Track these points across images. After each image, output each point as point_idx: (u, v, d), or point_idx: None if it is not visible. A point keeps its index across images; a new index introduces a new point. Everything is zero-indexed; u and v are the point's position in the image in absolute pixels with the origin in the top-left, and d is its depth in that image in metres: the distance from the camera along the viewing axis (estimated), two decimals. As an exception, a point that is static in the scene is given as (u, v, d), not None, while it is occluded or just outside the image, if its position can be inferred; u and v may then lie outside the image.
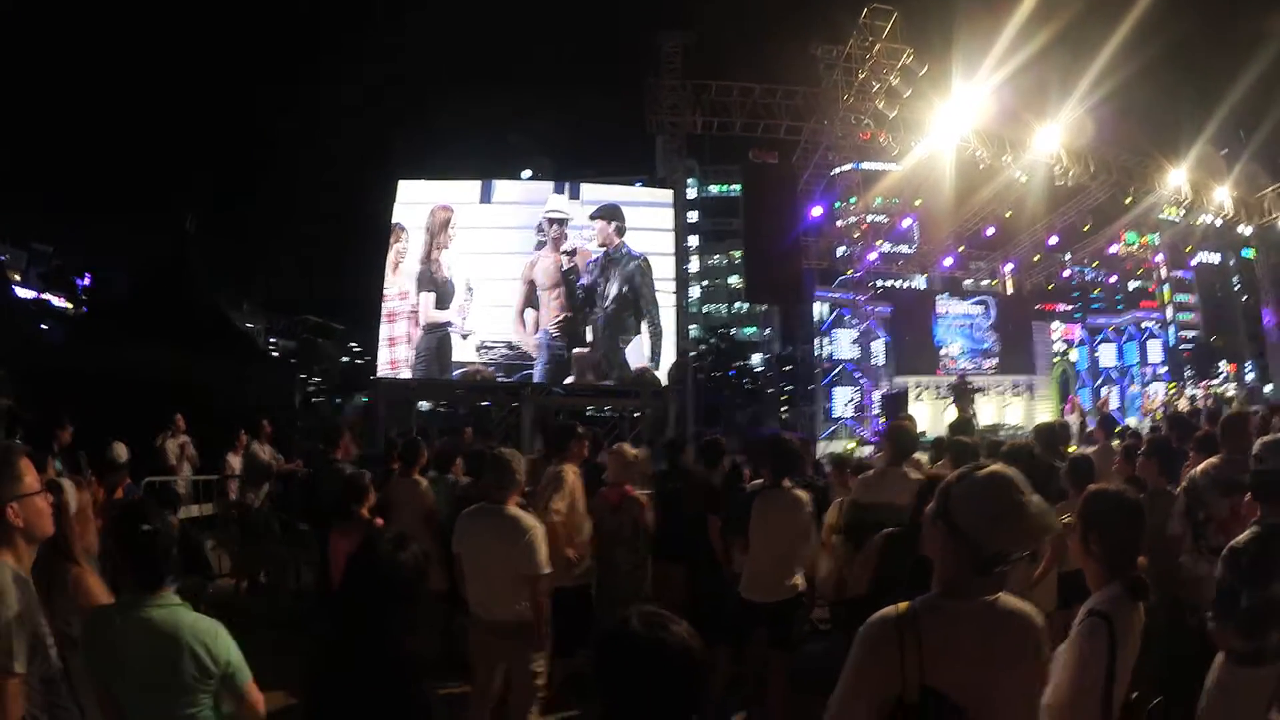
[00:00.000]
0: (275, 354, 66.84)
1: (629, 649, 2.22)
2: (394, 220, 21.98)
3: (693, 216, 71.16)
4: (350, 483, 7.06)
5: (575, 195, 22.09)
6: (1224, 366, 36.54)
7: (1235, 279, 50.79)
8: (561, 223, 21.49)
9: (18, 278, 54.19)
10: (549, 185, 23.26)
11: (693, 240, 75.05)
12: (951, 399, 28.02)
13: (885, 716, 2.54)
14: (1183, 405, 28.49)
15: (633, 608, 2.33)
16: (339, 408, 64.40)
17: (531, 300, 21.23)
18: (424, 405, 25.50)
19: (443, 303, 21.29)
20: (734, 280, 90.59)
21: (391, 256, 21.78)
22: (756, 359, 71.11)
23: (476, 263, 21.51)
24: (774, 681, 6.71)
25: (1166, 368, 36.44)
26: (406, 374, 21.52)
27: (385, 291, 21.70)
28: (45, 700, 3.48)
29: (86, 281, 55.94)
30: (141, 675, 3.45)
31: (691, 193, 72.91)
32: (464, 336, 21.22)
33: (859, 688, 2.60)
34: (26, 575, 3.53)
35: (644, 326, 21.18)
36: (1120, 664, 3.18)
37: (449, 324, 21.28)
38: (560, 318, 21.07)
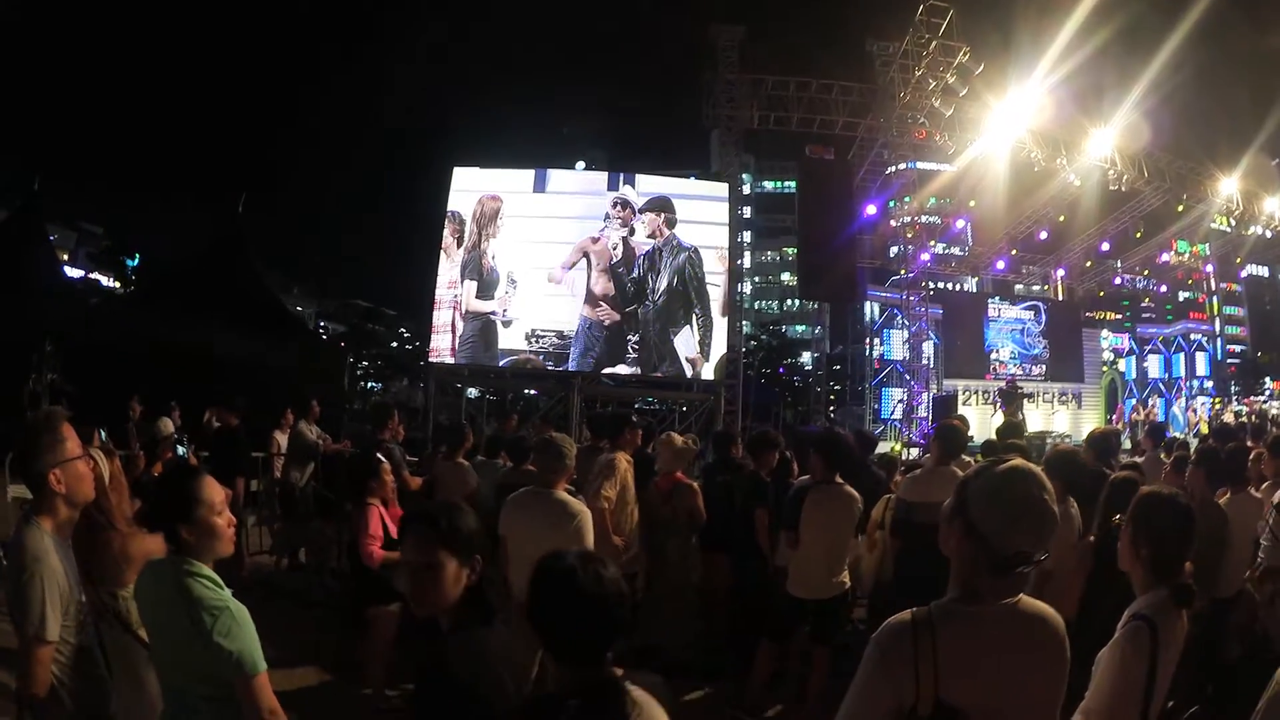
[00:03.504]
0: (325, 337, 67.26)
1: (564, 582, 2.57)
2: (449, 208, 22.07)
3: (746, 212, 70.99)
4: (362, 464, 7.02)
5: (631, 185, 22.10)
6: (1269, 383, 36.03)
7: (1285, 292, 50.21)
8: (626, 205, 21.53)
9: (66, 257, 54.76)
10: (603, 176, 23.20)
11: (745, 236, 74.90)
12: (999, 404, 27.85)
13: None
14: (1228, 419, 28.20)
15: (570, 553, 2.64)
16: (384, 392, 64.75)
17: (578, 270, 21.47)
18: (472, 392, 25.57)
19: (484, 292, 21.40)
20: (786, 277, 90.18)
21: (445, 244, 21.89)
22: (806, 357, 70.91)
23: (527, 251, 21.59)
24: (815, 676, 6.70)
25: (1212, 382, 36.07)
26: (451, 360, 21.63)
27: (439, 279, 21.74)
28: (76, 668, 3.54)
29: (135, 262, 56.42)
30: (161, 636, 3.43)
31: (745, 188, 72.82)
32: (505, 324, 21.29)
33: (871, 696, 2.50)
34: (66, 542, 3.62)
35: (694, 318, 21.18)
36: (1161, 670, 3.12)
37: (491, 313, 21.36)
38: (606, 308, 21.10)
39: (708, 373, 21.52)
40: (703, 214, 22.03)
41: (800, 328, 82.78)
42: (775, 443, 8.77)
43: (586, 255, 21.30)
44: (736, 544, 8.03)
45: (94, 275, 58.29)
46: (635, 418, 8.68)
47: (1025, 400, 28.07)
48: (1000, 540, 2.46)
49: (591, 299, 21.17)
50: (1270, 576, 5.66)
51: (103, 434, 6.22)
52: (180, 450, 5.88)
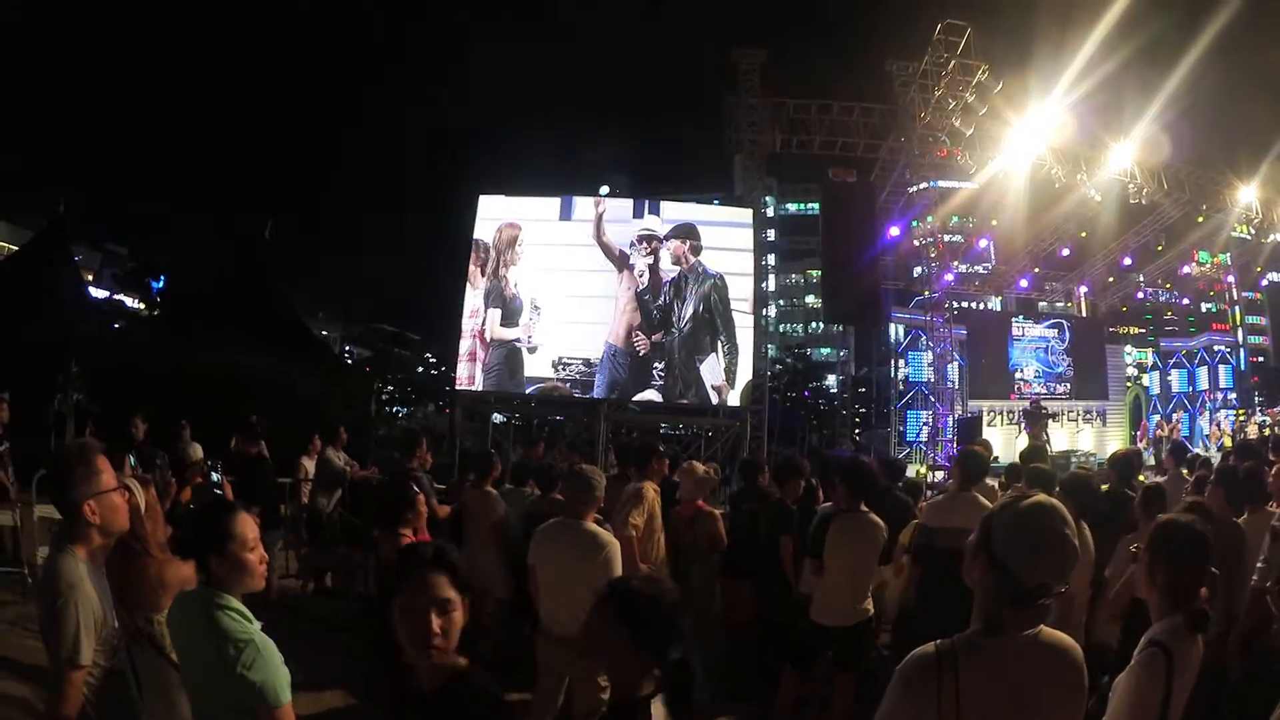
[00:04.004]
0: (350, 361, 67.38)
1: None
2: (475, 236, 22.24)
3: (770, 235, 70.93)
4: (397, 494, 7.07)
5: (655, 212, 22.20)
6: (1293, 393, 35.73)
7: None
8: (651, 239, 21.63)
9: (90, 278, 55.04)
10: (628, 204, 23.32)
11: (769, 259, 74.87)
12: (1024, 425, 27.79)
13: None
14: (1251, 432, 28.02)
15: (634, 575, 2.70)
16: (409, 417, 64.85)
17: (606, 299, 21.70)
18: (498, 418, 25.68)
19: (509, 320, 21.55)
20: (811, 299, 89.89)
21: (471, 271, 22.06)
22: (831, 380, 70.80)
23: (553, 280, 21.74)
24: (839, 702, 6.74)
25: (1235, 394, 35.82)
26: (479, 387, 21.78)
27: (465, 306, 21.94)
28: (107, 691, 3.59)
29: (160, 284, 56.68)
30: (191, 665, 3.56)
31: (769, 211, 72.85)
32: (530, 350, 21.43)
33: None
34: (100, 571, 3.68)
35: (719, 345, 21.24)
36: (1176, 695, 3.16)
37: (516, 340, 21.50)
38: (632, 335, 21.20)
39: (733, 399, 21.53)
40: (727, 240, 22.09)
41: (825, 350, 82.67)
42: (800, 471, 8.86)
43: (615, 284, 21.45)
44: (761, 571, 8.07)
45: (119, 296, 58.52)
46: (663, 447, 8.80)
47: (1050, 420, 28.00)
48: (1023, 573, 2.53)
49: (618, 326, 21.27)
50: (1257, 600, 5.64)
51: (132, 460, 6.33)
52: (214, 477, 5.98)
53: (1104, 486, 8.34)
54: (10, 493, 11.04)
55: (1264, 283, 47.23)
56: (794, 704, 7.16)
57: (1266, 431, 26.81)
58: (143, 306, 55.27)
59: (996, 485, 8.95)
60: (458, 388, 22.41)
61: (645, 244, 21.48)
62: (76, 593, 3.46)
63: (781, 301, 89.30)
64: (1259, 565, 5.69)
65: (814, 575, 6.96)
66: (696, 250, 21.38)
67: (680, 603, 3.09)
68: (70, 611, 3.42)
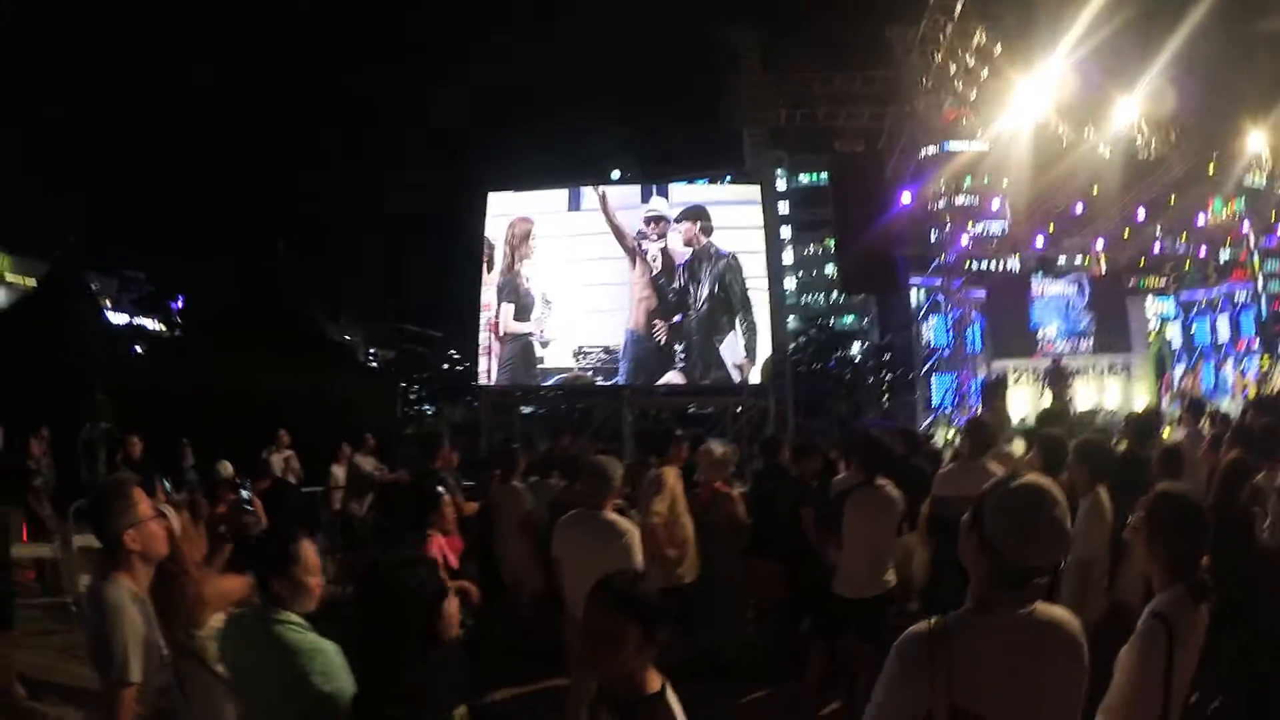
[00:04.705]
0: (374, 364, 67.59)
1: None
2: (485, 233, 22.39)
3: (784, 208, 70.52)
4: (421, 495, 7.20)
5: (663, 195, 22.28)
6: (1316, 339, 35.33)
7: (1323, 244, 49.14)
8: (660, 220, 21.73)
9: (109, 303, 55.36)
10: (636, 190, 23.39)
11: (786, 232, 74.45)
12: (1047, 384, 27.73)
13: None
14: (1276, 379, 27.87)
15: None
16: (436, 415, 64.96)
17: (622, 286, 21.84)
18: (526, 410, 25.91)
19: (522, 314, 21.79)
20: (830, 269, 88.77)
21: (484, 268, 22.25)
22: (856, 348, 70.35)
23: (567, 270, 21.91)
24: (865, 677, 6.69)
25: (1259, 340, 35.51)
26: (493, 383, 21.98)
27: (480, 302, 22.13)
28: (158, 706, 3.80)
29: (179, 304, 56.88)
30: (254, 686, 3.69)
31: (781, 184, 72.43)
32: (544, 344, 21.59)
33: (892, 703, 2.62)
34: (144, 594, 3.87)
35: (738, 324, 21.33)
36: (1179, 667, 3.18)
37: (530, 334, 21.66)
38: (651, 320, 21.32)
39: (755, 376, 21.64)
40: (738, 219, 22.20)
41: (848, 319, 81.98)
42: (815, 449, 8.98)
43: (628, 270, 21.57)
44: (787, 550, 8.13)
45: (138, 320, 58.77)
46: (681, 430, 8.93)
47: (1074, 377, 27.94)
48: (1014, 555, 2.57)
49: (636, 312, 21.40)
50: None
51: (167, 485, 6.49)
52: (244, 494, 6.10)
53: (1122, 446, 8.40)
54: (49, 525, 11.27)
55: (1280, 229, 46.81)
56: (822, 681, 7.22)
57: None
58: (163, 328, 55.55)
59: (1012, 450, 8.96)
60: (481, 382, 22.57)
61: (655, 226, 21.58)
62: (123, 616, 3.68)
63: (801, 273, 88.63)
64: (1265, 524, 5.70)
65: (835, 550, 7.01)
66: (708, 231, 21.49)
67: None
68: (119, 634, 3.64)
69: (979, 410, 26.65)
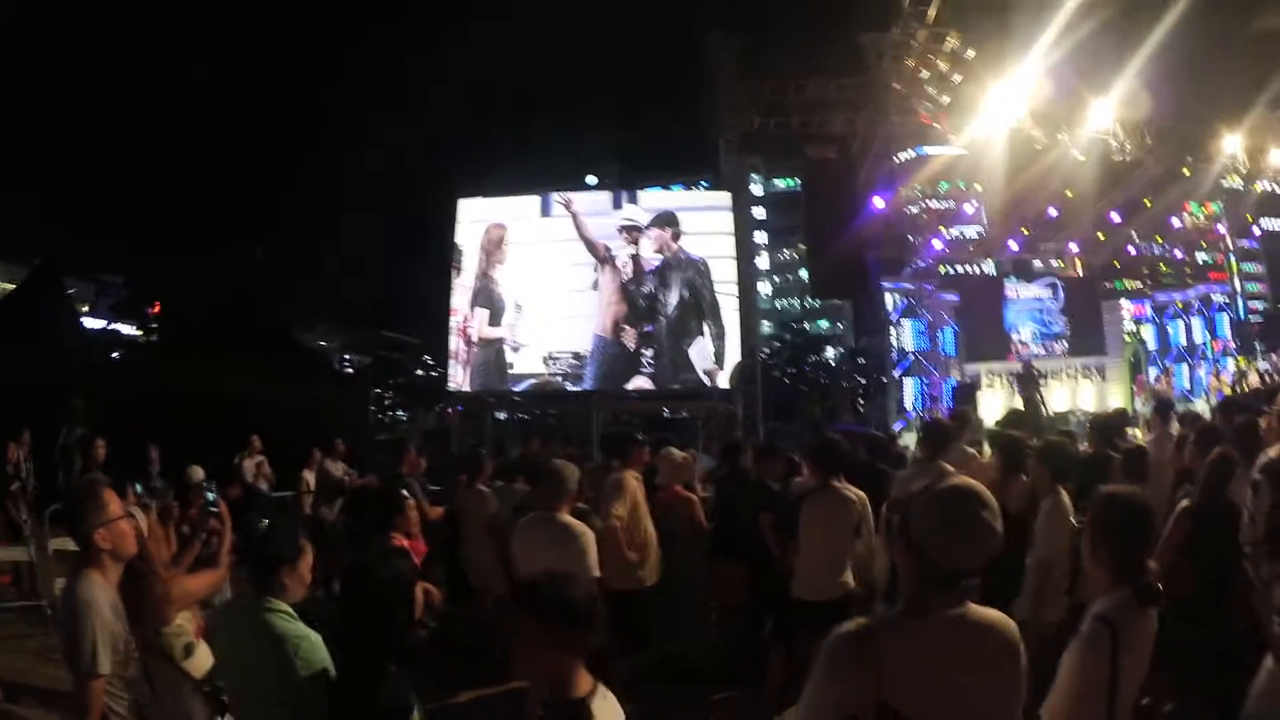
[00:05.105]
0: (350, 370, 67.49)
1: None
2: (456, 240, 22.47)
3: (759, 213, 70.62)
4: (385, 499, 7.27)
5: (634, 202, 22.43)
6: (1294, 338, 35.43)
7: (1301, 245, 49.36)
8: (631, 228, 21.83)
9: (86, 309, 55.08)
10: (608, 196, 23.59)
11: (761, 237, 74.54)
12: (1017, 388, 27.84)
13: None
14: (1253, 380, 28.03)
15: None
16: (409, 421, 64.98)
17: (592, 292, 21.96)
18: (500, 415, 26.00)
19: (494, 319, 21.90)
20: (805, 274, 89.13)
21: (453, 275, 22.34)
22: (830, 353, 70.43)
23: (538, 276, 21.97)
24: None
25: (1236, 342, 35.67)
26: (469, 388, 22.06)
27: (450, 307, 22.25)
28: (127, 699, 3.95)
29: (156, 309, 56.74)
30: (245, 667, 4.00)
31: (757, 189, 72.47)
32: (515, 349, 21.69)
33: (820, 704, 2.60)
34: (113, 590, 4.02)
35: (707, 329, 21.43)
36: (1126, 671, 3.15)
37: (501, 339, 21.73)
38: (620, 325, 21.42)
39: (722, 381, 21.74)
40: (709, 225, 22.36)
41: (823, 323, 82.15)
42: (779, 452, 9.01)
43: (597, 275, 21.66)
44: (749, 553, 8.13)
45: (115, 325, 58.49)
46: (641, 435, 8.97)
47: (1045, 380, 28.06)
48: (941, 557, 2.57)
49: (605, 318, 21.50)
50: (1257, 552, 5.45)
51: (138, 488, 6.52)
52: (209, 496, 6.11)
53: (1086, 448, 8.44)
54: (25, 530, 11.30)
55: (1257, 230, 47.08)
56: (784, 684, 7.22)
57: (1268, 380, 26.84)
58: (140, 333, 55.36)
59: (976, 453, 8.98)
60: (451, 388, 22.68)
61: (627, 234, 21.69)
62: (92, 611, 3.84)
63: (776, 278, 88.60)
64: (1244, 521, 5.67)
65: (794, 553, 7.04)
66: (677, 237, 21.63)
67: (594, 595, 3.13)
68: (88, 627, 3.79)
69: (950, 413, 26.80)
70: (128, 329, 57.55)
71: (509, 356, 22.12)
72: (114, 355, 31.96)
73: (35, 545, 10.59)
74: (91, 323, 49.62)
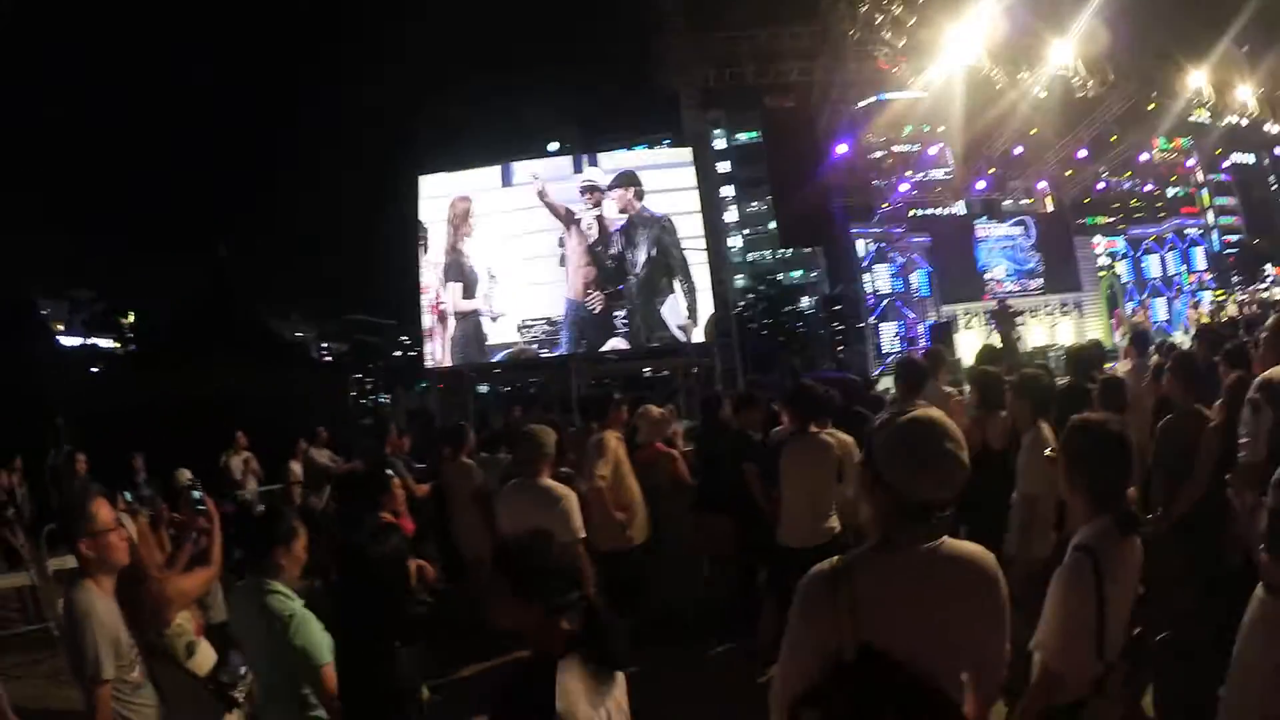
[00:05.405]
0: (328, 358, 67.53)
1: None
2: (419, 217, 22.47)
3: (726, 166, 70.46)
4: (371, 480, 7.32)
5: (594, 165, 22.45)
6: (1270, 269, 35.52)
7: (1272, 179, 49.35)
8: (593, 190, 21.88)
9: (61, 327, 54.94)
10: (568, 160, 23.63)
11: (729, 190, 74.44)
12: (993, 325, 27.93)
13: (830, 673, 2.47)
14: (1230, 311, 28.18)
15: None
16: (392, 403, 65.13)
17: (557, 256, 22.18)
18: (483, 388, 26.07)
19: (469, 292, 22.02)
20: (775, 225, 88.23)
21: (420, 252, 22.34)
22: (806, 302, 70.41)
23: (505, 246, 21.99)
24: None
25: (1212, 275, 35.82)
26: (448, 363, 22.08)
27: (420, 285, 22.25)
28: (134, 702, 4.06)
29: (130, 319, 56.51)
30: (253, 649, 4.36)
31: (721, 143, 72.24)
32: (494, 319, 21.73)
33: (799, 646, 2.58)
34: (110, 597, 4.11)
35: (677, 286, 21.50)
36: (1111, 601, 3.15)
37: (477, 311, 21.77)
38: (589, 288, 21.49)
39: (698, 336, 21.83)
40: (672, 182, 22.45)
41: (797, 273, 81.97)
42: (757, 400, 9.03)
43: (563, 240, 21.70)
44: (735, 506, 8.14)
45: (91, 340, 58.34)
46: (619, 395, 9.01)
47: (1022, 317, 28.16)
48: (907, 489, 2.54)
49: (575, 281, 21.54)
50: (1245, 475, 5.40)
51: (127, 496, 6.56)
52: (195, 495, 6.14)
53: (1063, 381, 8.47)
54: (23, 554, 11.33)
55: (1227, 164, 47.13)
56: (778, 635, 7.25)
57: (1246, 310, 26.98)
58: (117, 345, 55.20)
59: (959, 392, 8.99)
60: (429, 365, 22.72)
61: (589, 195, 21.74)
62: (91, 619, 3.93)
63: (747, 230, 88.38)
64: (1242, 439, 5.65)
65: (775, 502, 7.08)
66: (640, 196, 21.72)
67: (561, 551, 3.22)
68: (88, 634, 3.88)
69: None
70: (105, 342, 57.47)
71: (486, 327, 22.14)
72: (93, 370, 31.93)
73: (35, 569, 10.60)
74: (68, 340, 49.57)
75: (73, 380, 22.33)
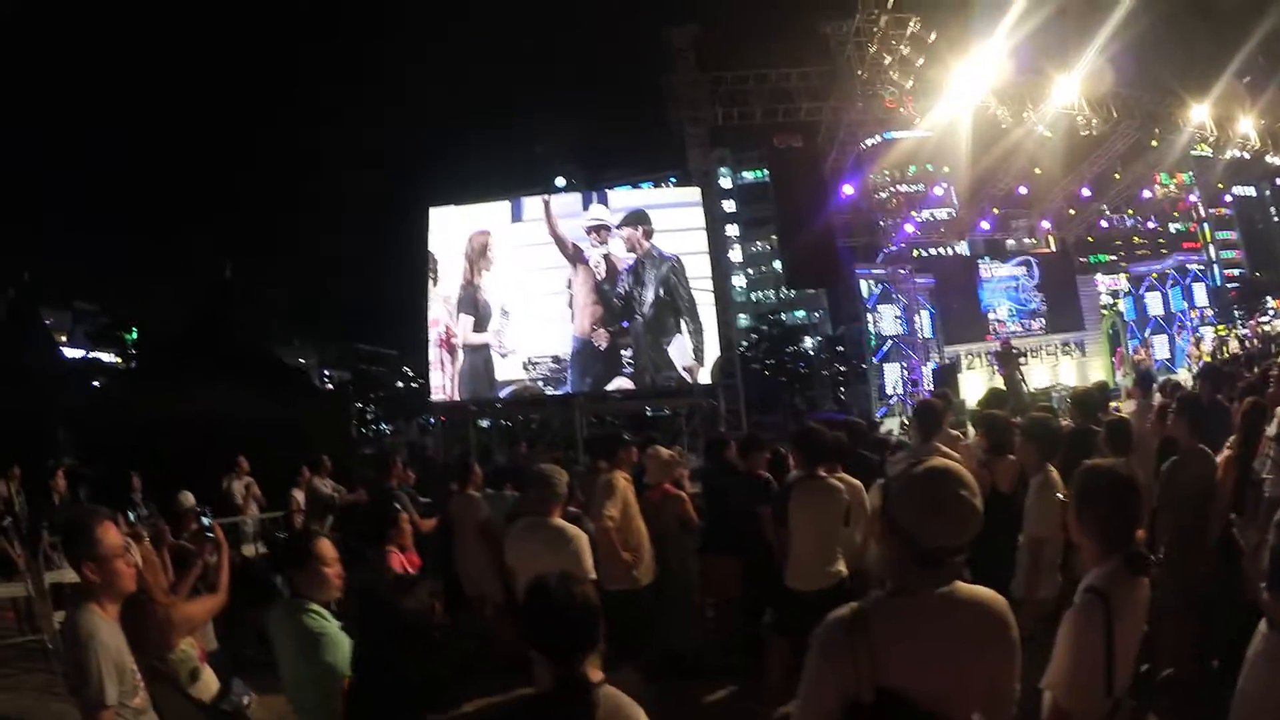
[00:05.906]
0: (330, 386, 67.43)
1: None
2: (429, 249, 22.48)
3: (730, 206, 70.72)
4: (379, 514, 7.31)
5: (603, 202, 22.47)
6: (1271, 302, 35.55)
7: (1273, 210, 49.49)
8: (601, 228, 21.89)
9: (64, 339, 54.94)
10: (577, 198, 23.69)
11: (733, 229, 74.62)
12: (996, 367, 27.91)
13: (849, 715, 2.54)
14: (1233, 346, 28.17)
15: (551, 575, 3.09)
16: (394, 434, 64.90)
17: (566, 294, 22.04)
18: (485, 423, 26.05)
19: (480, 325, 21.87)
20: (779, 265, 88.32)
21: (429, 285, 22.34)
22: (809, 342, 70.43)
23: (513, 282, 21.99)
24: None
25: (1214, 310, 35.80)
26: (455, 396, 22.06)
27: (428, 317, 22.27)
28: None
29: (134, 335, 56.56)
30: (284, 659, 4.32)
31: (726, 182, 72.46)
32: (503, 355, 21.72)
33: (818, 688, 2.62)
34: (114, 621, 4.01)
35: (684, 326, 21.48)
36: (1120, 638, 3.17)
37: (488, 345, 21.76)
38: (597, 327, 21.48)
39: (704, 377, 21.80)
40: (680, 221, 22.40)
41: (800, 313, 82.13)
42: (762, 443, 9.04)
43: (570, 280, 21.71)
44: (739, 545, 8.21)
45: (94, 354, 58.31)
46: (628, 435, 9.01)
47: (1024, 357, 28.17)
48: (922, 536, 2.63)
49: (582, 319, 21.54)
50: (1268, 510, 5.46)
51: (131, 516, 6.56)
52: (205, 520, 6.13)
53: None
54: (19, 565, 11.29)
55: (1228, 198, 47.22)
56: (785, 675, 7.25)
57: (1248, 346, 26.98)
58: (119, 360, 55.14)
59: (961, 435, 9.00)
60: (434, 398, 22.70)
61: (597, 234, 21.75)
62: (95, 641, 3.80)
63: (750, 270, 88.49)
64: (1266, 476, 5.64)
65: (783, 543, 7.07)
66: (649, 235, 21.67)
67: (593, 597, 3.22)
68: (92, 658, 3.76)
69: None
70: (107, 356, 57.40)
71: (496, 362, 22.11)
72: (95, 384, 31.86)
73: (31, 580, 10.57)
74: (71, 352, 49.55)
75: (73, 393, 22.28)
